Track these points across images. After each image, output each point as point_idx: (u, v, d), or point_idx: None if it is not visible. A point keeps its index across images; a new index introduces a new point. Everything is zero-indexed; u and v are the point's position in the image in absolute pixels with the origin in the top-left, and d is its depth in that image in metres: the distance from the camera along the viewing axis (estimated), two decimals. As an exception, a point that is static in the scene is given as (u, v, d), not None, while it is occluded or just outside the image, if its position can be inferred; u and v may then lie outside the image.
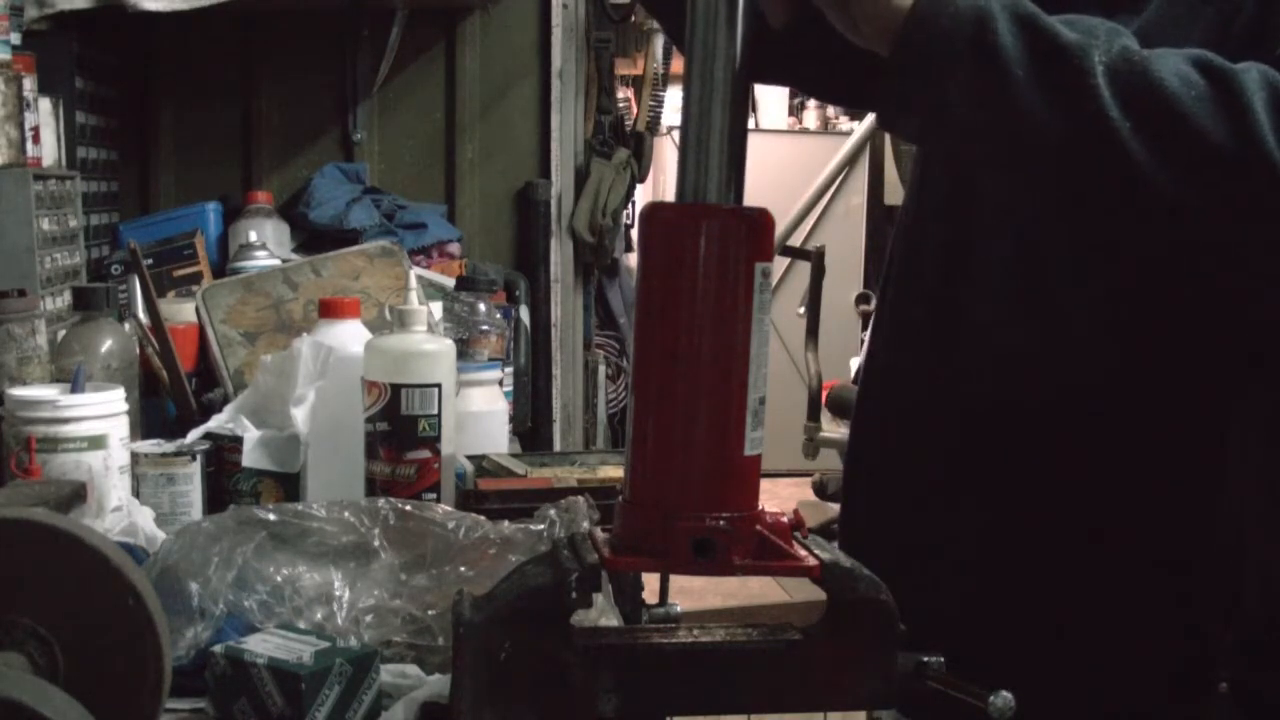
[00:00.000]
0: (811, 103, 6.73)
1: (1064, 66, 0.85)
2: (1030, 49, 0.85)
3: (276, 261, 2.29)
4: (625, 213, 3.26)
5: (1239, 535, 1.04)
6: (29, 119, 1.97)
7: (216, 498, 1.51)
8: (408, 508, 1.17)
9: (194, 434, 1.56)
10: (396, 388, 1.38)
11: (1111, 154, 0.85)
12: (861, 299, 5.46)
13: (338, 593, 1.11)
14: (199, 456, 1.49)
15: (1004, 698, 0.74)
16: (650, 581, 0.86)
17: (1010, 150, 0.89)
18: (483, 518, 1.17)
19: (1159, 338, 1.01)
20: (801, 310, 4.73)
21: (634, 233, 1.39)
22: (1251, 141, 0.84)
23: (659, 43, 3.57)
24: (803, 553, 0.77)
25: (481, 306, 2.02)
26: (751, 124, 0.82)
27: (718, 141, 0.79)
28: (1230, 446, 1.03)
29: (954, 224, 1.13)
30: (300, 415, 1.51)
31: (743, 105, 0.81)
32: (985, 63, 0.85)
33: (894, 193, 6.05)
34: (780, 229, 4.47)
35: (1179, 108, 0.85)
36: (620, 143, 3.11)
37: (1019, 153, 0.89)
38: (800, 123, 6.94)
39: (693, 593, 3.04)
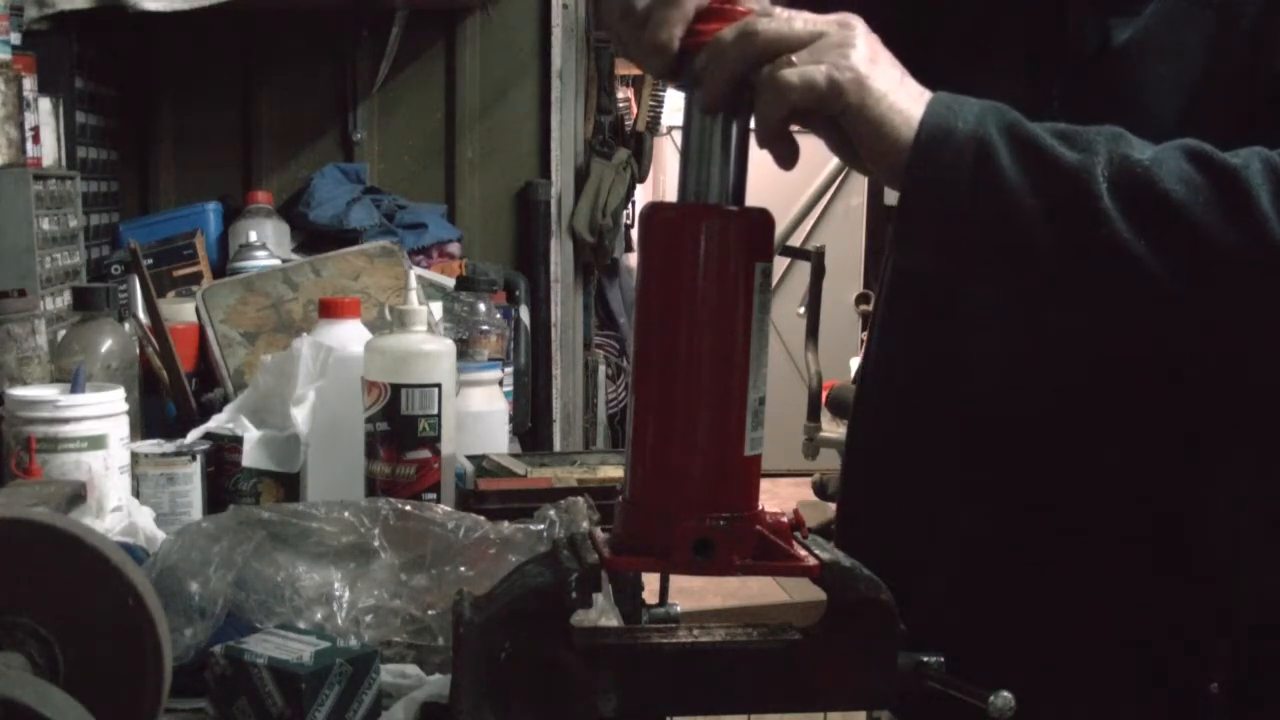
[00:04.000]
0: (811, 103, 6.71)
1: (1071, 193, 0.85)
2: (1033, 176, 0.85)
3: (276, 261, 2.29)
4: (625, 213, 3.26)
5: (1234, 542, 1.04)
6: (29, 119, 1.97)
7: (216, 498, 1.50)
8: (408, 508, 1.17)
9: (194, 434, 1.56)
10: (396, 388, 1.38)
11: (1128, 274, 0.85)
12: (861, 299, 5.45)
13: (338, 593, 1.11)
14: (199, 456, 1.49)
15: (1004, 698, 0.74)
16: (650, 581, 0.86)
17: (1023, 278, 0.89)
18: (483, 518, 1.17)
19: (1156, 343, 1.01)
20: (801, 310, 4.73)
21: (634, 233, 1.39)
22: (1263, 241, 0.84)
23: (659, 43, 3.56)
24: (803, 553, 0.77)
25: (481, 306, 2.02)
26: (752, 124, 0.83)
27: (719, 142, 0.80)
28: (1226, 452, 1.03)
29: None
30: (300, 415, 1.51)
31: (745, 112, 0.81)
32: (990, 196, 0.85)
33: (893, 193, 6.03)
34: (780, 229, 4.47)
35: (1189, 218, 0.84)
36: (620, 143, 3.11)
37: (1032, 279, 0.89)
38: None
39: (693, 593, 3.03)
